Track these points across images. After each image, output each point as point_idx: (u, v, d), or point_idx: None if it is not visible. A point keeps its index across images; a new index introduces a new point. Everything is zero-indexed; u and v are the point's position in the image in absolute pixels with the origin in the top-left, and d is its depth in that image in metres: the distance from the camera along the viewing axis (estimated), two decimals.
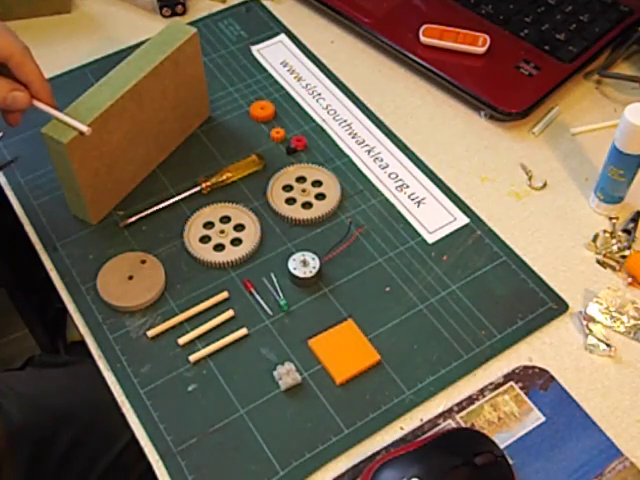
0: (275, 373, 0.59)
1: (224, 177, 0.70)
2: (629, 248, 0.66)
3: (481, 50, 0.79)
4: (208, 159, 0.73)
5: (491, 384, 0.59)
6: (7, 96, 0.59)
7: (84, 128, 0.60)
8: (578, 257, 0.66)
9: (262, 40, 0.84)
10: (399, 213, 0.69)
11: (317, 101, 0.78)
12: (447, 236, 0.67)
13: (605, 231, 0.68)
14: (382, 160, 0.73)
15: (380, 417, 0.57)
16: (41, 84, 0.60)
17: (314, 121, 0.76)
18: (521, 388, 0.58)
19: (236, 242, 0.66)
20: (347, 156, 0.73)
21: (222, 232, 0.67)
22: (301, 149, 0.74)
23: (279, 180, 0.71)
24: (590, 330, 0.61)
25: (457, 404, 0.58)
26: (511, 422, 0.57)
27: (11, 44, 0.58)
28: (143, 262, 0.65)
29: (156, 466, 0.55)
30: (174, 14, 0.87)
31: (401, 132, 0.76)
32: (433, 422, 0.57)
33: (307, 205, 0.69)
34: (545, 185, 0.72)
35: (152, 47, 0.67)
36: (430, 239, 0.67)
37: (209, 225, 0.68)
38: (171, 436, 0.56)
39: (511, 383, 0.59)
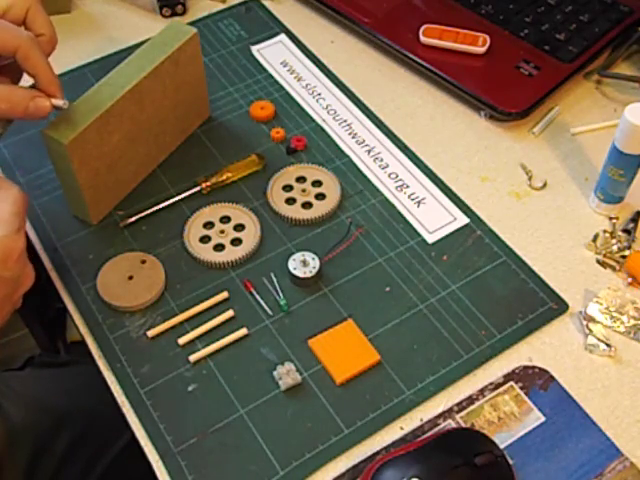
0: (275, 373, 0.59)
1: (224, 177, 0.70)
2: (629, 248, 0.66)
3: (481, 50, 0.79)
4: (208, 159, 0.73)
5: (491, 384, 0.59)
6: (29, 105, 0.58)
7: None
8: (578, 257, 0.67)
9: (262, 40, 0.84)
10: (399, 213, 0.69)
11: (317, 101, 0.78)
12: (447, 236, 0.67)
13: (605, 231, 0.68)
14: (382, 160, 0.73)
15: (380, 417, 0.57)
16: (48, 76, 0.58)
17: (314, 121, 0.76)
18: (521, 388, 0.58)
19: (236, 242, 0.66)
20: (347, 156, 0.73)
21: (222, 232, 0.67)
22: (301, 149, 0.74)
23: (279, 180, 0.71)
24: (590, 330, 0.61)
25: (457, 404, 0.58)
26: (511, 422, 0.57)
27: (16, 37, 0.56)
28: (143, 262, 0.65)
29: (156, 466, 0.55)
30: (174, 14, 0.87)
31: (401, 132, 0.76)
32: (433, 422, 0.57)
33: (307, 205, 0.69)
34: (545, 185, 0.72)
35: (152, 47, 0.67)
36: (430, 239, 0.67)
37: (209, 225, 0.68)
38: (171, 436, 0.56)
39: (511, 383, 0.59)
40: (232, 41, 0.84)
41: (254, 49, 0.83)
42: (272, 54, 0.83)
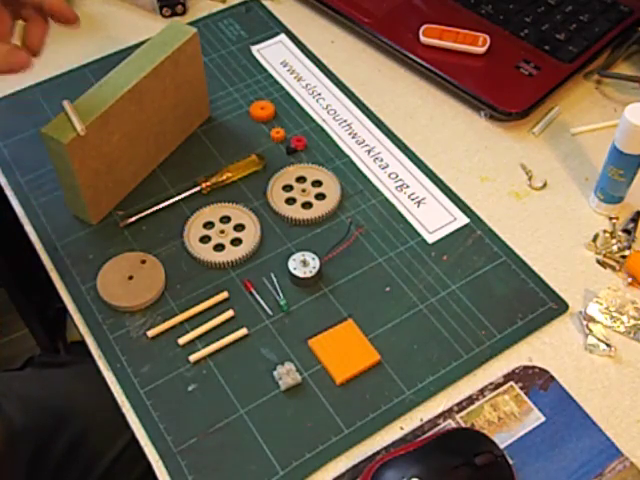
0: (275, 373, 0.59)
1: (224, 177, 0.70)
2: (629, 248, 0.66)
3: (481, 50, 0.79)
4: (208, 159, 0.73)
5: (491, 384, 0.59)
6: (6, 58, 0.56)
7: (79, 127, 0.60)
8: (578, 257, 0.66)
9: (262, 40, 0.84)
10: (399, 213, 0.69)
11: (317, 101, 0.78)
12: (447, 236, 0.67)
13: (605, 231, 0.68)
14: (382, 160, 0.73)
15: (380, 417, 0.57)
16: None
17: (314, 121, 0.76)
18: (521, 388, 0.58)
19: (236, 242, 0.66)
20: (347, 156, 0.73)
21: (222, 232, 0.67)
22: (301, 149, 0.74)
23: (279, 180, 0.71)
24: (590, 330, 0.61)
25: (457, 404, 0.58)
26: (511, 422, 0.57)
27: None
28: (143, 262, 0.65)
29: (156, 466, 0.55)
30: (174, 14, 0.87)
31: (401, 132, 0.76)
32: (433, 422, 0.57)
33: (307, 205, 0.69)
34: (545, 185, 0.72)
35: (152, 47, 0.67)
36: (430, 239, 0.67)
37: (209, 225, 0.68)
38: (171, 436, 0.56)
39: (511, 383, 0.59)
40: (232, 41, 0.84)
41: (254, 49, 0.83)
42: (272, 54, 0.83)
